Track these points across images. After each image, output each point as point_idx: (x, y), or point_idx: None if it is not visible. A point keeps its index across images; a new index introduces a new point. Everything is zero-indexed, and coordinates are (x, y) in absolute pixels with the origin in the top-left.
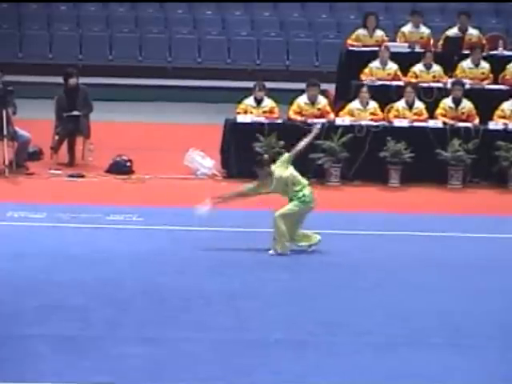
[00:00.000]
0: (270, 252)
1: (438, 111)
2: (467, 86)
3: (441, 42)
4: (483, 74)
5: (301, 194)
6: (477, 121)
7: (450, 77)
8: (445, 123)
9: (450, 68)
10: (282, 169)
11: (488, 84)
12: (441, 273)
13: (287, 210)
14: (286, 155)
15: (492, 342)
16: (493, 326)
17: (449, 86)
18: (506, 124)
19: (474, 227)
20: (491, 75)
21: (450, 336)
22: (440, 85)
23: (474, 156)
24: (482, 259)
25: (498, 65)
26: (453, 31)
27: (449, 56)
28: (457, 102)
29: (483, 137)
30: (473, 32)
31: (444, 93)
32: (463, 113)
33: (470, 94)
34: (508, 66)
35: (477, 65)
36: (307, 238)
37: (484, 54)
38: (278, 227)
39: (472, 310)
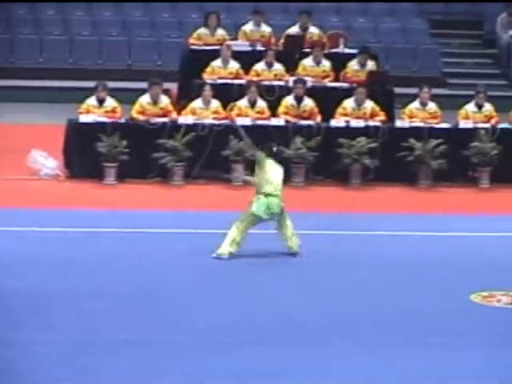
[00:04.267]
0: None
1: (280, 109)
2: (309, 84)
3: (282, 40)
4: (324, 71)
5: (256, 200)
6: (319, 118)
7: (292, 75)
8: (287, 121)
9: (291, 66)
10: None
11: (329, 82)
12: (280, 270)
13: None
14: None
15: (339, 339)
16: (341, 324)
17: (290, 84)
18: (347, 121)
19: (317, 224)
20: (332, 73)
21: (295, 333)
22: (282, 83)
23: (316, 154)
24: (323, 255)
25: (338, 63)
26: (294, 30)
27: (290, 54)
28: (299, 100)
29: (325, 134)
30: (314, 30)
31: (286, 91)
32: (305, 111)
33: (311, 92)
34: (349, 64)
35: (318, 63)
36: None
37: (325, 52)
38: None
39: (315, 306)
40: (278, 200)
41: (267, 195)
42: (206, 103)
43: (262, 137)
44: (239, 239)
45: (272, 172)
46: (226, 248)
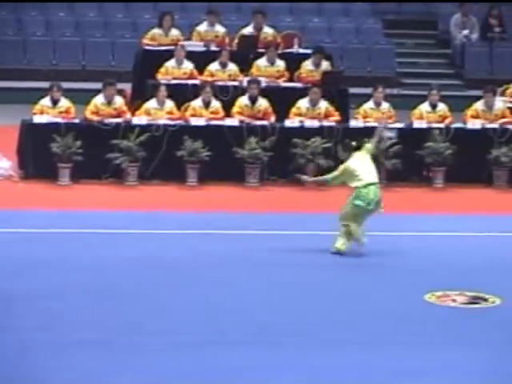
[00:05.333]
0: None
1: (235, 110)
2: (263, 85)
3: (236, 40)
4: (279, 72)
5: (356, 195)
6: (273, 119)
7: (246, 75)
8: (241, 121)
9: (245, 66)
10: (353, 158)
11: (283, 82)
12: (245, 270)
13: (343, 211)
14: (367, 147)
15: (299, 339)
16: (300, 323)
17: (245, 84)
18: (302, 121)
19: (272, 224)
20: (286, 73)
21: (253, 333)
22: (236, 83)
23: (270, 154)
24: (282, 255)
25: (293, 63)
26: (248, 30)
27: (244, 54)
28: (253, 100)
29: (280, 134)
30: (268, 30)
31: (240, 91)
32: (259, 111)
33: (265, 92)
34: (303, 64)
35: (272, 63)
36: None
37: (279, 52)
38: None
39: (277, 306)
40: (375, 188)
41: (366, 186)
42: (160, 103)
43: (216, 137)
44: (357, 235)
45: (358, 166)
46: (342, 243)
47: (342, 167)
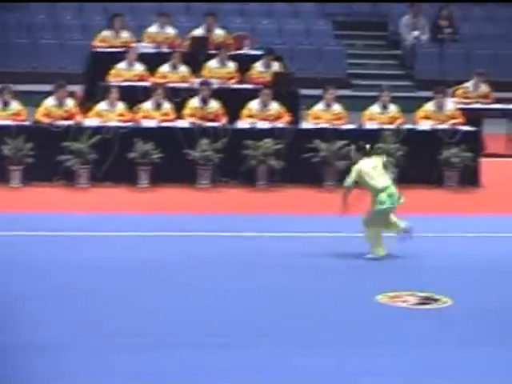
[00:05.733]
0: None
1: (186, 111)
2: (214, 86)
3: (187, 42)
4: (229, 73)
5: (377, 199)
6: (224, 120)
7: (197, 77)
8: (193, 123)
9: (196, 68)
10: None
11: (234, 83)
12: (200, 272)
13: (368, 217)
14: (385, 159)
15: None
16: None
17: (196, 86)
18: (253, 123)
19: (224, 226)
20: (237, 74)
21: (199, 335)
22: (187, 85)
23: (222, 155)
24: (238, 257)
25: (244, 64)
26: (199, 31)
27: (195, 56)
28: (204, 101)
29: (231, 136)
30: (219, 32)
31: (191, 93)
32: (211, 112)
33: (217, 93)
34: (254, 66)
35: (223, 64)
36: (394, 226)
37: (230, 53)
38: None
39: (229, 309)
40: (392, 187)
41: (383, 189)
42: (112, 106)
43: (168, 138)
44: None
45: (370, 168)
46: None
47: (355, 168)
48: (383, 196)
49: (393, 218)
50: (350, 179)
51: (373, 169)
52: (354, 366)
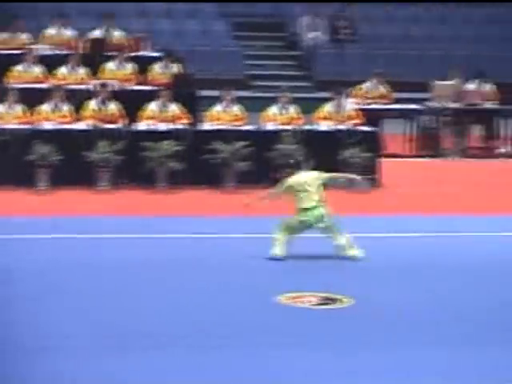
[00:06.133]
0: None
1: (85, 113)
2: (113, 88)
3: (85, 43)
4: (128, 75)
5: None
6: (124, 122)
7: (96, 79)
8: (92, 125)
9: (95, 70)
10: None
11: (133, 85)
12: (93, 275)
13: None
14: (322, 175)
15: (181, 341)
16: (181, 325)
17: (95, 87)
18: (152, 124)
19: (123, 228)
20: (136, 76)
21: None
22: (86, 87)
23: (121, 157)
24: (138, 259)
25: (143, 66)
26: (97, 33)
27: (94, 58)
28: (103, 103)
29: (130, 138)
30: (117, 33)
31: (90, 95)
32: (109, 114)
33: (116, 95)
34: (153, 67)
35: (122, 66)
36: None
37: (129, 55)
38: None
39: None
40: (317, 211)
41: (306, 210)
42: (10, 108)
43: (67, 141)
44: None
45: (299, 185)
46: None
47: (285, 182)
48: (305, 214)
49: (346, 242)
50: (275, 190)
51: (301, 185)
52: (253, 366)
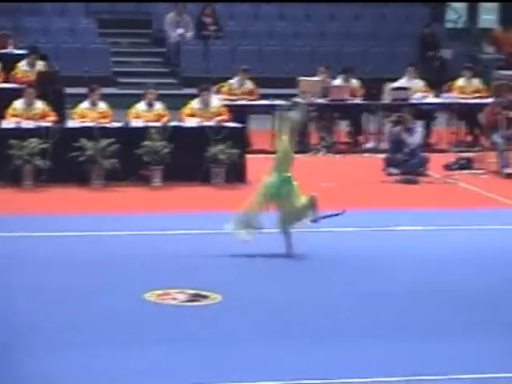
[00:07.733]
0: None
1: None
2: None
3: None
4: None
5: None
6: None
7: None
8: None
9: None
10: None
11: None
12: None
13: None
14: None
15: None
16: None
17: None
18: (18, 122)
19: None
20: (2, 74)
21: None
22: None
23: None
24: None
25: (8, 63)
26: None
27: None
28: None
29: None
30: None
31: None
32: None
33: None
34: (18, 65)
35: None
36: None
37: None
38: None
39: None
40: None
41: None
42: None
43: None
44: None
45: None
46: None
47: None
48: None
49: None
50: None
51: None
52: (120, 365)
